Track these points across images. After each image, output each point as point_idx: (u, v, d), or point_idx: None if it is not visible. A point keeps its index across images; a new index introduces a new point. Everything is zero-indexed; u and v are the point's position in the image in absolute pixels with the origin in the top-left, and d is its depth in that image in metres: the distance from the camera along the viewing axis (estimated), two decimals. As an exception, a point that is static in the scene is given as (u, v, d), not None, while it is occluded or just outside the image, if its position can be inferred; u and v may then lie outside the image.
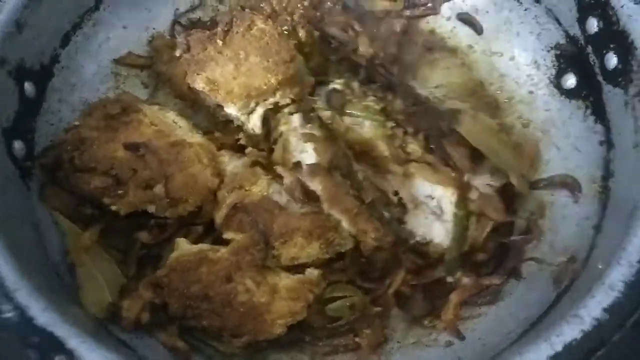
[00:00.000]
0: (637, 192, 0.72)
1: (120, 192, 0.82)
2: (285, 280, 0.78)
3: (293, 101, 0.96)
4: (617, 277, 0.63)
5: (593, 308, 0.61)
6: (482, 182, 0.88)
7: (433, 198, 0.87)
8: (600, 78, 0.89)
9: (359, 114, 0.94)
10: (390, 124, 0.93)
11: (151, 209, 0.83)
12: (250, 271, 0.77)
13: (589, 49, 0.92)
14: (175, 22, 1.11)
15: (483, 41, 1.09)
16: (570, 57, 0.97)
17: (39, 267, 0.73)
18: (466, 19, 1.10)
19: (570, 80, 0.97)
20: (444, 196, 0.86)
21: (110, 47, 1.05)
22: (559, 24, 0.98)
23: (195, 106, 1.02)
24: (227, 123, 0.99)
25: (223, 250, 0.79)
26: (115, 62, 1.06)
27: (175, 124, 0.92)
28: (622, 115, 0.83)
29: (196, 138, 0.90)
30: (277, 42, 0.95)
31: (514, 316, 0.79)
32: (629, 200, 0.73)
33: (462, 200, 0.85)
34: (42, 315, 0.60)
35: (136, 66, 1.07)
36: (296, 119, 0.92)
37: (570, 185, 0.90)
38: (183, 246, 0.80)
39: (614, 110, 0.86)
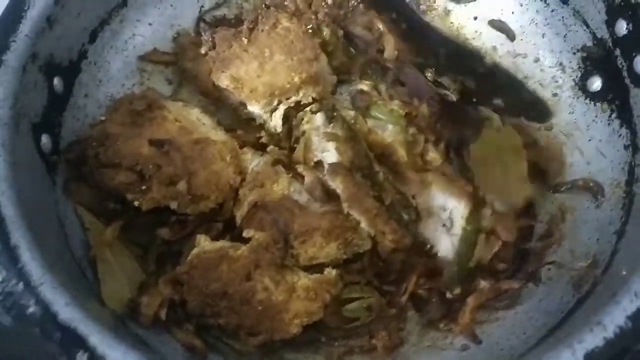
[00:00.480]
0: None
1: (143, 187, 0.83)
2: (303, 280, 0.79)
3: (315, 100, 0.96)
4: (643, 285, 0.62)
5: (617, 315, 0.60)
6: (493, 199, 0.87)
7: (445, 210, 0.86)
8: (628, 81, 0.88)
9: (382, 117, 0.94)
10: (412, 130, 0.93)
11: (173, 205, 0.84)
12: (269, 270, 0.78)
13: (617, 51, 0.90)
14: (200, 19, 1.12)
15: (507, 42, 1.08)
16: (597, 59, 0.95)
17: (63, 261, 0.75)
18: (498, 26, 1.09)
19: (596, 83, 0.96)
20: (457, 208, 0.85)
21: (136, 43, 1.07)
22: (587, 25, 0.96)
23: (218, 103, 1.04)
24: (249, 121, 1.00)
25: (243, 248, 0.80)
26: (140, 59, 1.07)
27: (199, 121, 0.93)
28: (650, 120, 0.82)
29: (219, 135, 0.91)
30: (301, 41, 0.96)
31: (533, 321, 0.78)
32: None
33: (474, 216, 0.85)
34: (65, 310, 0.61)
35: (161, 63, 1.09)
36: (319, 118, 0.92)
37: (592, 189, 0.89)
38: (204, 243, 0.81)
39: (642, 114, 0.85)
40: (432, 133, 0.93)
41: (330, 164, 0.85)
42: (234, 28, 1.01)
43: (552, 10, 1.03)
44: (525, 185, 0.90)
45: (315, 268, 0.81)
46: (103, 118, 0.92)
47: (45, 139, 0.86)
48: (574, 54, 1.00)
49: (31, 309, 0.60)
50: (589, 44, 0.97)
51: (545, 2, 1.04)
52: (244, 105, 0.98)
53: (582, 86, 0.98)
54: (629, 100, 0.87)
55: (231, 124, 1.01)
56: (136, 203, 0.84)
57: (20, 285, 0.62)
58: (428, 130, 0.93)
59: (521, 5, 1.07)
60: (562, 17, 1.01)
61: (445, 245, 0.85)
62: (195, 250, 0.81)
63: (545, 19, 1.04)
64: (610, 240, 0.80)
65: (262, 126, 0.99)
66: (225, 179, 0.86)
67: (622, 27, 0.88)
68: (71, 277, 0.70)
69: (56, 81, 0.90)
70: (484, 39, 1.09)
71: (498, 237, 0.84)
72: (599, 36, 0.94)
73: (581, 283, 0.77)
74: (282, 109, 0.95)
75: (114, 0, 1.03)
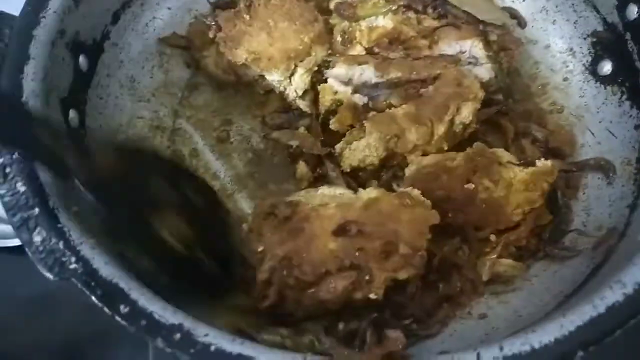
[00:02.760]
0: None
1: (367, 277, 0.73)
2: (520, 175, 0.83)
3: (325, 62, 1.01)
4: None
5: (635, 274, 0.62)
6: (491, 28, 1.00)
7: (464, 52, 0.98)
8: (638, 64, 0.91)
9: (370, 12, 1.03)
10: (401, 9, 1.01)
11: (403, 275, 0.75)
12: (487, 172, 0.83)
13: (628, 35, 0.93)
14: (215, 6, 1.14)
15: (518, 30, 1.10)
16: (608, 44, 0.98)
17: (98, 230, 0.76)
18: (510, 12, 1.11)
19: (607, 67, 0.99)
20: (473, 46, 0.98)
21: (155, 26, 1.09)
22: (597, 11, 1.00)
23: (234, 87, 1.06)
24: (267, 95, 1.04)
25: (459, 158, 0.85)
26: (159, 41, 1.09)
27: (334, 193, 0.85)
28: (661, 101, 0.85)
29: (372, 192, 0.82)
30: (298, 6, 1.02)
31: (549, 290, 0.80)
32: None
33: (487, 43, 0.98)
34: (106, 267, 0.64)
35: (179, 47, 1.11)
36: (334, 80, 0.96)
37: (604, 167, 0.91)
38: (419, 160, 0.86)
39: (653, 96, 0.88)
40: (416, 3, 1.02)
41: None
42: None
43: (563, -4, 1.06)
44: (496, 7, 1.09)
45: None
46: (261, 248, 0.78)
47: (72, 114, 0.88)
48: (585, 39, 1.03)
49: (72, 265, 0.62)
50: (600, 29, 1.00)
51: (556, -12, 1.07)
52: (262, 77, 1.01)
53: (592, 70, 1.01)
54: (639, 82, 0.90)
55: (249, 104, 1.04)
56: (373, 296, 0.73)
57: (61, 244, 0.64)
58: (412, 2, 1.02)
59: (532, -8, 1.10)
60: (573, 4, 1.04)
61: (483, 74, 0.97)
62: (412, 167, 0.86)
63: (556, 6, 1.07)
64: (624, 213, 0.83)
65: (281, 97, 1.02)
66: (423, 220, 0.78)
67: (633, 11, 0.91)
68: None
69: (81, 59, 0.92)
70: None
71: (510, 49, 0.99)
72: (609, 21, 0.97)
73: (595, 253, 0.80)
74: (300, 71, 1.00)
75: (135, -17, 1.05)
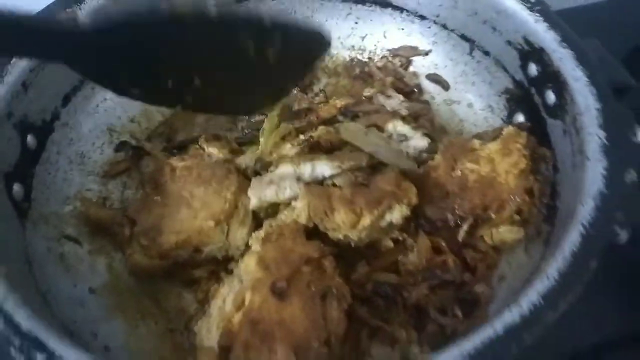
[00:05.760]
0: (573, 205, 0.79)
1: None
2: (491, 147, 0.95)
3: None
4: (553, 269, 0.69)
5: (531, 295, 0.67)
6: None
7: (390, 135, 1.04)
8: (543, 114, 0.99)
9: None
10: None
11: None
12: (464, 157, 0.95)
13: (532, 90, 1.02)
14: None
15: (443, 92, 1.21)
16: (518, 98, 1.07)
17: (28, 291, 0.79)
18: (434, 78, 1.23)
19: (520, 119, 1.07)
20: (395, 127, 1.04)
21: (106, 107, 1.15)
22: (506, 71, 1.10)
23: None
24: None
25: (437, 157, 0.98)
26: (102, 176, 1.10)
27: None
28: (562, 142, 0.92)
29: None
30: (207, 167, 0.97)
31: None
32: (569, 214, 0.80)
33: (404, 119, 1.07)
34: (27, 322, 0.66)
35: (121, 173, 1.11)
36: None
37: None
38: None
39: (556, 140, 0.95)
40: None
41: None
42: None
43: (478, 62, 1.16)
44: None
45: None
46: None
47: (17, 187, 0.92)
48: (499, 96, 1.12)
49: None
50: (510, 86, 1.09)
51: (471, 55, 1.17)
52: (199, 251, 0.92)
53: (509, 123, 1.09)
54: (546, 129, 0.98)
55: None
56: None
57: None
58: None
59: (451, 60, 1.21)
60: (486, 66, 1.15)
61: (419, 143, 1.04)
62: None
63: (473, 69, 1.18)
64: (540, 250, 0.87)
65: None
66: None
67: (533, 69, 1.01)
68: (34, 302, 0.74)
69: (29, 138, 0.98)
70: (423, 90, 1.22)
71: (422, 114, 1.13)
72: (517, 79, 1.07)
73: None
74: (234, 228, 0.93)
75: (86, 70, 1.13)
